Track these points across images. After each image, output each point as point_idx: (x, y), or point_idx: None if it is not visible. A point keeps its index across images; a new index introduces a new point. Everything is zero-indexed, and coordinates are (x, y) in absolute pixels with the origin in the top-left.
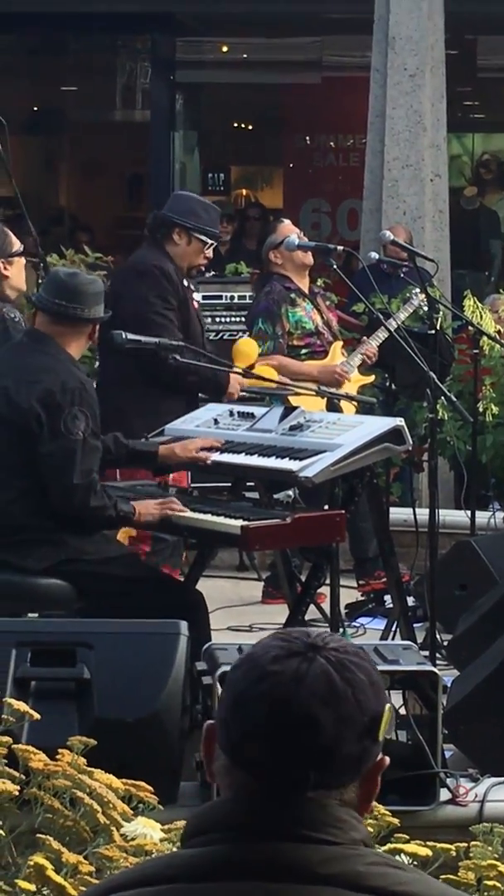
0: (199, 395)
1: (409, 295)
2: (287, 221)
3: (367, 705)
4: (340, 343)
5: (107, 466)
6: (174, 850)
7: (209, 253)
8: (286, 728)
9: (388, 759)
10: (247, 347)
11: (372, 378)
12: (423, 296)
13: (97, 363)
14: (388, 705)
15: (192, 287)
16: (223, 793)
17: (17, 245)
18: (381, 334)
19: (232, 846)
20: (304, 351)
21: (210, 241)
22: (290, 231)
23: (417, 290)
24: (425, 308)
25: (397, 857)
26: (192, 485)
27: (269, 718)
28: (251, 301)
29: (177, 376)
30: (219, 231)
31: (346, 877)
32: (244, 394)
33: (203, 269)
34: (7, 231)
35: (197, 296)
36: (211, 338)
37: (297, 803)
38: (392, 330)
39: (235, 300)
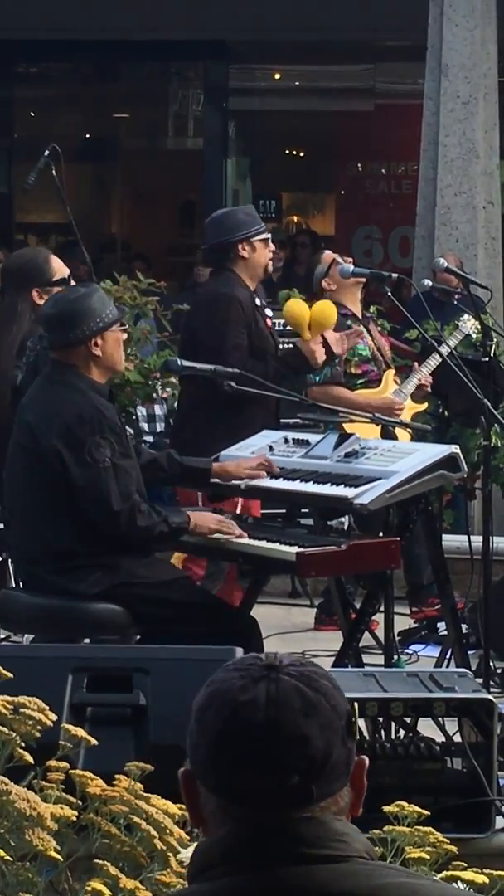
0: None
1: (457, 322)
2: (327, 251)
3: (340, 708)
4: (393, 371)
5: (161, 483)
6: None
7: (272, 245)
8: (279, 750)
9: (366, 758)
10: (297, 308)
11: (425, 406)
12: (472, 322)
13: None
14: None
15: (264, 306)
16: (220, 831)
17: (59, 274)
18: (433, 361)
19: (242, 878)
20: (360, 380)
21: (267, 235)
22: (329, 259)
23: (467, 316)
24: (475, 335)
25: (455, 885)
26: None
27: (260, 746)
28: None
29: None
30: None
31: (359, 892)
32: (298, 420)
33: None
34: (51, 259)
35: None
36: None
37: (297, 824)
38: (444, 355)
39: (289, 327)
